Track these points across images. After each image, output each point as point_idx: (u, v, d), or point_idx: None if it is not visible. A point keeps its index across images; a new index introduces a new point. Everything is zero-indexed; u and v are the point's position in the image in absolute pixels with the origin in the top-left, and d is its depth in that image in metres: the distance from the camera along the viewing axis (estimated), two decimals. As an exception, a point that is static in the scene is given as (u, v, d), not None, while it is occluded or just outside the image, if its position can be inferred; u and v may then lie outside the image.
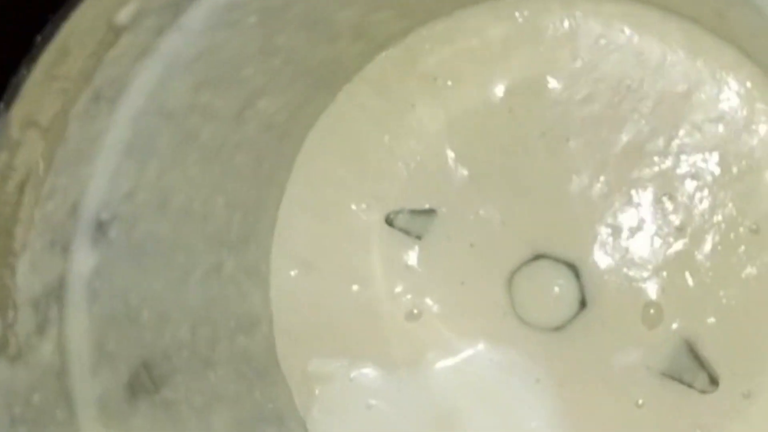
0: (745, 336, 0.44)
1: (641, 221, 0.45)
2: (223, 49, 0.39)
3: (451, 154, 0.47)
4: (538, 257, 0.46)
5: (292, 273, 0.48)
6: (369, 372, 0.47)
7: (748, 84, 0.45)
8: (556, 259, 0.46)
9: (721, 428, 0.44)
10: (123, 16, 0.33)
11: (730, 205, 0.45)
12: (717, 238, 0.44)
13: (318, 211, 0.47)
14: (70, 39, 0.32)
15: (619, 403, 0.45)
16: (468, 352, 0.47)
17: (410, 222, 0.47)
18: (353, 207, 0.47)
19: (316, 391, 0.47)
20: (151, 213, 0.41)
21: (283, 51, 0.43)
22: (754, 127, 0.45)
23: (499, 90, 0.46)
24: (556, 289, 0.46)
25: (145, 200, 0.40)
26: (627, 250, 0.45)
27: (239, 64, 0.41)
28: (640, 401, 0.45)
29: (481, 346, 0.47)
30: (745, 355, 0.44)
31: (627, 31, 0.45)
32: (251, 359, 0.48)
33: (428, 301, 0.47)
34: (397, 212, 0.47)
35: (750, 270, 0.44)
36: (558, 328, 0.46)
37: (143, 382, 0.41)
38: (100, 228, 0.38)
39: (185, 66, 0.38)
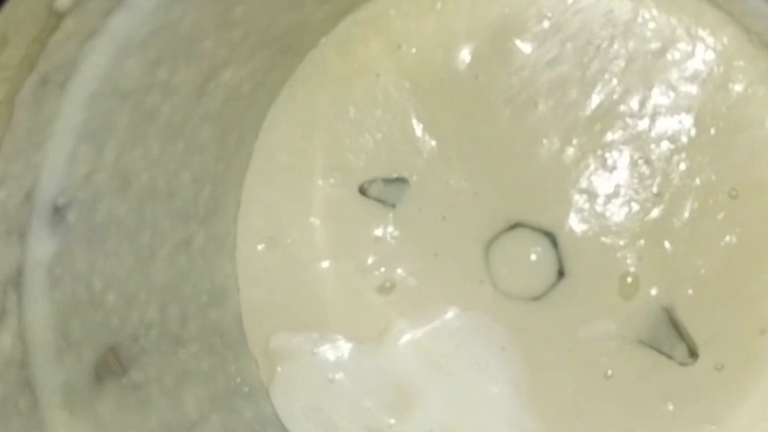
0: (721, 308, 0.43)
1: (617, 186, 0.44)
2: (179, 25, 0.38)
3: (417, 125, 0.45)
4: (515, 226, 0.45)
5: (259, 247, 0.47)
6: (334, 346, 0.46)
7: (725, 40, 0.43)
8: (534, 228, 0.45)
9: (691, 400, 0.43)
10: (63, 1, 0.31)
11: (708, 169, 0.43)
12: (695, 204, 0.43)
13: (283, 184, 0.46)
14: (9, 27, 0.31)
15: (586, 373, 0.44)
16: (437, 323, 0.46)
17: (384, 191, 0.46)
18: (320, 181, 0.46)
19: (279, 366, 0.46)
20: (111, 195, 0.40)
21: (244, 22, 0.41)
22: (731, 85, 0.43)
23: (465, 56, 0.45)
24: (534, 257, 0.45)
25: (105, 182, 0.39)
26: (604, 216, 0.44)
27: (197, 39, 0.40)
28: (609, 372, 0.44)
29: (452, 316, 0.46)
30: (721, 327, 0.43)
31: (595, -12, 0.44)
32: (224, 333, 0.47)
33: (401, 273, 0.46)
34: (371, 181, 0.46)
35: (729, 238, 0.43)
36: (536, 298, 0.45)
37: (110, 366, 0.40)
38: (58, 213, 0.37)
39: (139, 45, 0.37)
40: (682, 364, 0.43)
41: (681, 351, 0.43)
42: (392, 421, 0.46)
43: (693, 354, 0.43)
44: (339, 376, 0.46)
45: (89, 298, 0.40)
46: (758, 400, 0.43)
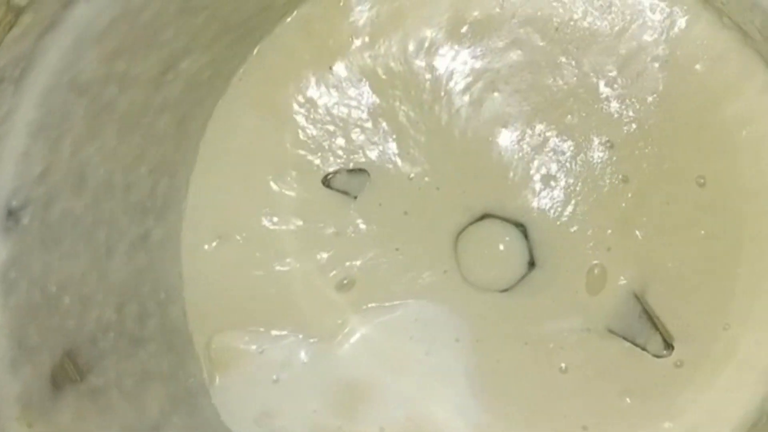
0: (687, 302, 0.42)
1: (583, 172, 0.43)
2: (140, 14, 0.36)
3: (374, 118, 0.44)
4: (484, 217, 0.44)
5: (207, 245, 0.45)
6: (281, 346, 0.44)
7: (690, 18, 0.42)
8: (504, 219, 0.44)
9: (649, 395, 0.42)
10: (22, -5, 0.29)
11: (676, 155, 0.42)
12: (663, 193, 0.42)
13: (234, 179, 0.44)
14: (-37, 25, 0.29)
15: (542, 367, 0.43)
16: (393, 317, 0.44)
17: (347, 182, 0.44)
18: (273, 175, 0.44)
19: (221, 368, 0.44)
20: (67, 192, 0.38)
21: (207, 8, 0.39)
22: (697, 67, 0.42)
23: (419, 46, 0.43)
24: (504, 248, 0.44)
25: (60, 180, 0.37)
26: (572, 204, 0.43)
27: (158, 28, 0.38)
28: (563, 365, 0.43)
29: (410, 309, 0.44)
30: (685, 322, 0.42)
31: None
32: (182, 331, 0.45)
33: (360, 269, 0.44)
34: (335, 172, 0.44)
35: (696, 230, 0.42)
36: (504, 291, 0.44)
37: (68, 373, 0.39)
38: (12, 216, 0.35)
39: (97, 36, 0.35)
40: (657, 356, 0.42)
41: (656, 343, 0.42)
42: (339, 423, 0.44)
43: (668, 346, 0.42)
44: (284, 376, 0.44)
45: (45, 301, 0.38)
46: (716, 397, 0.42)
